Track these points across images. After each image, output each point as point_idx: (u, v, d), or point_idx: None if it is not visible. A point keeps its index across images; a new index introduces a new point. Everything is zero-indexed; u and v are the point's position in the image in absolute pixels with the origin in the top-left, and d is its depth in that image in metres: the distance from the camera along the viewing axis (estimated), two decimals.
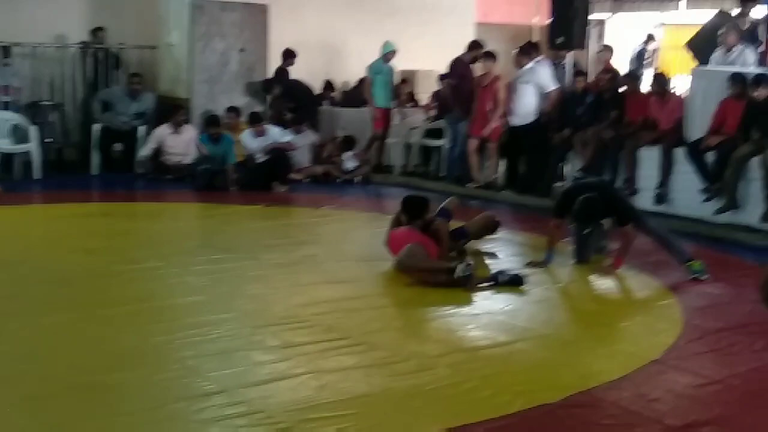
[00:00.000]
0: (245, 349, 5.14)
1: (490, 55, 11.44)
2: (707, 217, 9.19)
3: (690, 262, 7.03)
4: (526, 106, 11.05)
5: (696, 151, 9.36)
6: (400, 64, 13.51)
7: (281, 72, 12.92)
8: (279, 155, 11.41)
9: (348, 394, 4.48)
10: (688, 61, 15.40)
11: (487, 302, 6.29)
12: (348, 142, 12.42)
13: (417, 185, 11.54)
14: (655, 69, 15.43)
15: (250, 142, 11.44)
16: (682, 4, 17.12)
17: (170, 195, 10.84)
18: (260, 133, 11.44)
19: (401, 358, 5.03)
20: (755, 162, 8.83)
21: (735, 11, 11.65)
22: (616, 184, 9.51)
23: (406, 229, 7.15)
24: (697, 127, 9.62)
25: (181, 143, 11.80)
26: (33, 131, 11.48)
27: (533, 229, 8.02)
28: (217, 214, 9.88)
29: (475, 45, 11.97)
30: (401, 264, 6.76)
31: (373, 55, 12.67)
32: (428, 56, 13.86)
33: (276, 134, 11.59)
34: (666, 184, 9.68)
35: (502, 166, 11.57)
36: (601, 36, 17.75)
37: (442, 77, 12.98)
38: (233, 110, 12.10)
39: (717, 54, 10.60)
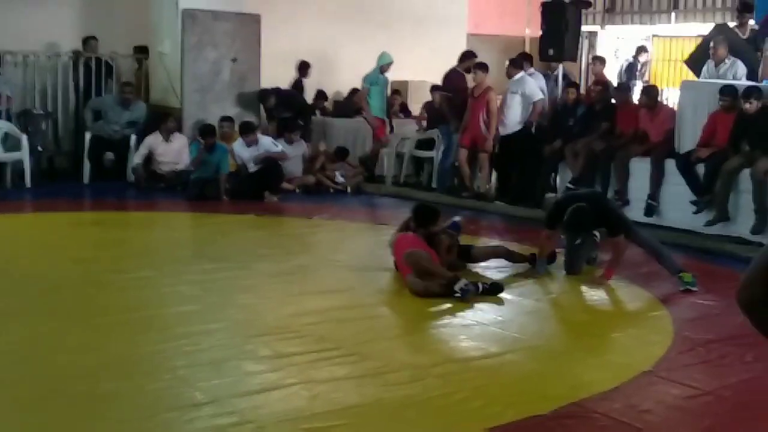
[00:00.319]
0: (236, 359, 5.13)
1: (482, 66, 11.48)
2: (698, 228, 9.22)
3: (681, 274, 7.05)
4: (513, 116, 11.11)
5: (686, 163, 9.40)
6: (391, 75, 13.54)
7: (297, 84, 12.99)
8: (271, 165, 11.40)
9: (340, 404, 4.48)
10: (679, 73, 15.49)
11: (479, 313, 6.29)
12: (340, 153, 12.42)
13: (408, 195, 11.55)
14: (646, 81, 15.49)
15: (242, 151, 11.44)
16: (673, 16, 17.19)
17: (162, 204, 10.84)
18: (252, 143, 11.44)
19: (393, 368, 5.02)
20: (745, 174, 8.86)
21: (732, 23, 11.72)
22: (607, 196, 9.53)
23: (413, 235, 7.15)
24: (688, 139, 9.66)
25: (171, 152, 11.80)
26: (24, 140, 11.46)
27: (524, 240, 8.03)
28: (209, 224, 9.87)
29: (467, 55, 12.01)
30: (412, 255, 6.74)
31: (366, 65, 12.70)
32: (420, 67, 13.89)
33: (268, 144, 11.59)
34: (656, 195, 9.71)
35: (495, 176, 11.60)
36: (592, 48, 17.81)
37: (434, 88, 13.02)
38: (228, 119, 12.11)
39: (708, 67, 10.67)
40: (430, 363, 5.18)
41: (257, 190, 11.14)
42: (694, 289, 6.97)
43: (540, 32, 11.98)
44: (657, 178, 9.70)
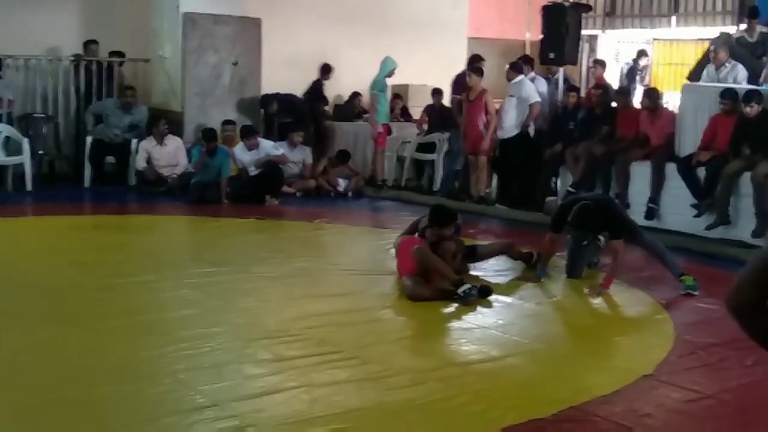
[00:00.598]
0: (237, 363, 5.13)
1: (476, 70, 11.48)
2: (699, 232, 9.21)
3: (682, 277, 7.05)
4: (510, 120, 11.11)
5: (687, 167, 9.40)
6: (392, 78, 13.54)
7: (317, 84, 12.97)
8: (271, 168, 11.40)
9: (340, 407, 4.48)
10: (680, 77, 15.49)
11: (480, 316, 6.30)
12: (342, 157, 12.41)
13: (409, 199, 11.55)
14: (646, 85, 15.50)
15: (242, 155, 11.45)
16: (674, 20, 17.20)
17: (163, 208, 10.83)
18: (253, 147, 11.44)
19: (394, 372, 5.03)
20: (746, 178, 8.86)
21: (733, 27, 11.73)
22: (614, 200, 9.46)
23: (418, 239, 7.16)
24: (689, 142, 9.67)
25: (166, 155, 11.78)
26: (26, 143, 11.46)
27: (525, 244, 8.02)
28: (210, 228, 9.87)
29: (476, 59, 12.03)
30: (422, 255, 6.74)
31: (366, 69, 12.69)
32: (420, 71, 13.89)
33: (268, 147, 11.59)
34: (657, 199, 9.71)
35: (495, 180, 11.61)
36: (593, 51, 17.82)
37: (435, 92, 13.04)
38: (231, 123, 12.11)
39: (708, 70, 10.68)
40: (431, 366, 5.18)
41: (258, 193, 11.14)
42: (695, 293, 6.97)
43: (540, 36, 11.99)
44: (657, 181, 9.70)
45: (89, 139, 11.98)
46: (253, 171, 11.39)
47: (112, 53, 12.70)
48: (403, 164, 12.94)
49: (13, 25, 12.10)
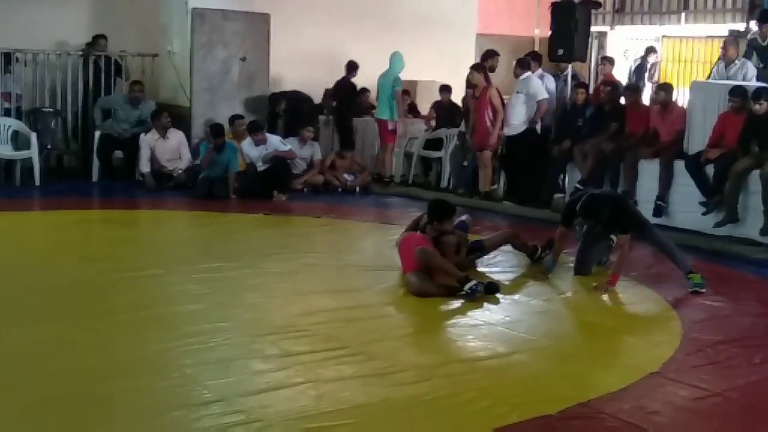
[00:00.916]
0: (244, 358, 5.13)
1: (478, 67, 11.46)
2: (707, 230, 9.19)
3: (690, 275, 7.03)
4: (518, 116, 11.09)
5: (696, 164, 9.37)
6: (401, 74, 13.53)
7: (344, 81, 13.00)
8: (279, 164, 11.41)
9: (346, 403, 4.48)
10: (689, 74, 15.45)
11: (487, 313, 6.29)
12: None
13: (417, 195, 11.55)
14: (655, 82, 15.46)
15: (250, 150, 11.45)
16: (683, 17, 17.15)
17: (170, 203, 10.84)
18: (260, 142, 11.44)
19: (400, 368, 5.03)
20: (755, 175, 8.83)
21: (743, 24, 11.68)
22: (626, 198, 9.35)
23: (421, 234, 7.15)
24: (697, 140, 9.64)
25: (169, 149, 11.77)
26: (34, 138, 11.48)
27: (532, 240, 8.01)
28: (217, 223, 9.87)
29: (490, 54, 12.00)
30: (425, 255, 6.73)
31: (374, 65, 12.69)
32: (429, 67, 13.88)
33: (276, 143, 11.59)
34: (665, 196, 9.69)
35: (502, 177, 11.59)
36: (602, 48, 17.78)
37: (443, 88, 13.03)
38: (240, 117, 12.11)
39: (718, 67, 10.64)
40: (437, 363, 5.18)
41: (266, 189, 11.14)
42: (703, 290, 6.96)
43: (549, 32, 11.96)
44: (666, 179, 9.67)
45: (97, 134, 12.00)
46: (260, 166, 11.39)
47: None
48: (410, 161, 12.93)
49: (21, 19, 12.13)
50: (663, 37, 17.56)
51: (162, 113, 11.86)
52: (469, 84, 11.64)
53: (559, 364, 5.38)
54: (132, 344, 5.33)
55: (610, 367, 5.39)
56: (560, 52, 11.51)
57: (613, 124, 10.41)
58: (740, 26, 15.33)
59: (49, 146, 11.98)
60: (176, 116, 12.03)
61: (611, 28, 18.22)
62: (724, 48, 10.73)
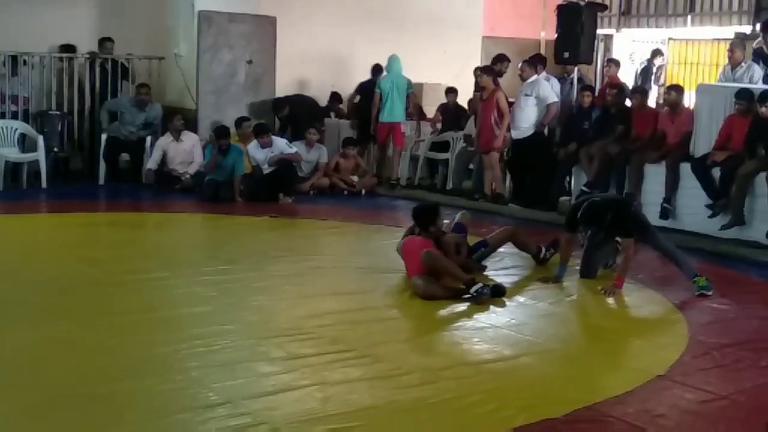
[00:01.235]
0: (250, 361, 5.14)
1: (487, 70, 11.47)
2: (713, 232, 9.17)
3: (695, 278, 7.02)
4: (527, 119, 11.09)
5: (702, 167, 9.36)
6: (407, 76, 13.52)
7: (369, 83, 13.04)
8: (285, 166, 11.42)
9: (353, 406, 4.48)
10: (695, 76, 15.43)
11: (493, 315, 6.29)
12: (348, 141, 12.37)
13: (423, 198, 11.54)
14: (661, 85, 15.45)
15: (256, 153, 11.46)
16: (689, 19, 17.14)
17: (176, 205, 10.86)
18: (266, 145, 11.45)
19: (406, 370, 5.03)
20: (761, 178, 8.82)
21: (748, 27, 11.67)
22: (631, 201, 9.27)
23: (421, 238, 7.16)
24: (703, 142, 9.63)
25: (182, 151, 11.81)
26: (41, 140, 11.51)
27: (541, 243, 7.99)
28: (223, 225, 9.89)
29: (500, 58, 12.03)
30: (431, 258, 6.72)
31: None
32: (435, 69, 13.89)
33: (282, 145, 11.60)
34: (672, 199, 9.68)
35: (509, 179, 11.59)
36: (608, 51, 17.78)
37: (449, 90, 13.04)
38: (247, 119, 12.13)
39: (724, 70, 10.64)
40: (444, 365, 5.18)
41: (271, 191, 11.15)
42: (709, 293, 6.94)
43: (555, 35, 11.97)
44: (672, 181, 9.66)
45: (104, 137, 12.03)
46: (266, 169, 11.41)
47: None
48: (416, 163, 12.94)
49: (28, 22, 12.16)
50: (669, 39, 17.55)
51: (175, 115, 11.91)
52: (478, 86, 11.63)
53: (565, 367, 5.38)
54: (138, 346, 5.34)
55: (616, 370, 5.39)
56: (566, 54, 11.52)
57: (619, 126, 10.40)
58: (746, 29, 15.32)
59: (55, 149, 12.01)
60: (182, 119, 12.05)
61: (617, 31, 18.22)
62: (731, 50, 10.73)
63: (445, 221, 7.62)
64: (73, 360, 5.07)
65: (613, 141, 10.30)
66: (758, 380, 5.14)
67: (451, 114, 12.91)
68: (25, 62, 12.07)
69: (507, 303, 6.59)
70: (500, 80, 11.67)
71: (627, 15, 18.09)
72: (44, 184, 11.48)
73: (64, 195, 11.17)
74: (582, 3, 11.52)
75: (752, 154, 9.03)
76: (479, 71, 11.65)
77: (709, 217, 9.23)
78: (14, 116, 11.87)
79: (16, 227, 9.31)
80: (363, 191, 12.10)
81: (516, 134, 11.16)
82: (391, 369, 5.05)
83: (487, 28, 16.30)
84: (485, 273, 7.45)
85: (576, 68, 11.91)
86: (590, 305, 6.98)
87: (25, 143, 11.70)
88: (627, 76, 15.16)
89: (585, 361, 5.55)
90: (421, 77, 14.09)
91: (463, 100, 13.18)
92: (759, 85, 9.90)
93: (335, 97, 13.97)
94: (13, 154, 11.55)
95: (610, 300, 6.89)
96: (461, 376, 5.02)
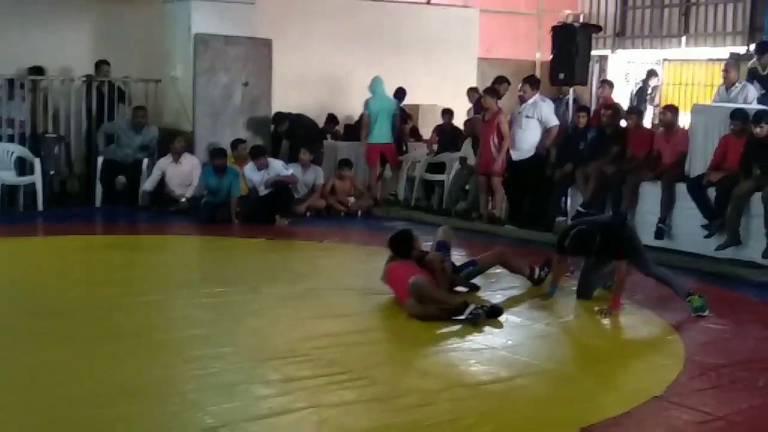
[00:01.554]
0: (246, 383, 5.13)
1: (490, 92, 11.51)
2: (709, 252, 9.18)
3: (690, 298, 6.99)
4: (530, 141, 11.11)
5: (697, 187, 9.38)
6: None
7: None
8: (281, 188, 11.43)
9: (349, 429, 4.48)
10: (689, 97, 15.48)
11: (489, 337, 6.28)
12: (344, 163, 12.40)
13: (419, 219, 11.55)
14: (656, 105, 15.51)
15: (252, 175, 11.48)
16: (684, 40, 17.23)
17: (173, 228, 10.87)
18: (263, 167, 11.47)
19: (402, 392, 5.02)
20: (757, 198, 8.84)
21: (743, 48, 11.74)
22: (624, 222, 8.92)
23: (404, 263, 7.15)
24: (699, 162, 9.66)
25: (181, 173, 11.84)
26: (37, 163, 11.52)
27: (535, 263, 8.00)
28: (220, 247, 9.89)
29: (500, 80, 12.11)
30: (417, 288, 6.68)
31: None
32: (431, 91, 13.94)
33: (278, 167, 11.62)
34: (667, 218, 9.69)
35: (505, 200, 11.60)
36: (603, 72, 17.86)
37: (445, 112, 13.09)
38: (242, 141, 12.16)
39: (718, 90, 10.68)
40: (440, 387, 5.17)
41: (268, 213, 11.16)
42: (704, 314, 6.91)
43: (550, 56, 12.02)
44: (668, 201, 9.68)
45: (100, 159, 12.04)
46: (263, 191, 11.42)
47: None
48: (413, 184, 12.96)
49: (25, 45, 12.19)
50: (664, 60, 17.63)
51: (176, 137, 11.95)
52: (481, 107, 11.66)
53: (561, 388, 5.37)
54: (134, 369, 5.32)
55: (612, 391, 5.38)
56: (561, 75, 11.57)
57: (614, 147, 10.44)
58: (741, 49, 15.41)
59: (52, 172, 12.02)
60: (183, 141, 12.08)
61: (612, 52, 18.32)
62: (726, 71, 10.78)
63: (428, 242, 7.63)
64: (70, 383, 5.06)
65: (609, 161, 10.33)
66: (755, 401, 5.14)
67: (448, 135, 12.94)
68: (22, 86, 12.09)
69: (503, 324, 6.58)
70: (500, 101, 11.70)
71: (621, 36, 18.20)
72: (41, 207, 11.47)
73: (60, 218, 11.17)
74: (577, 24, 11.61)
75: (747, 174, 9.05)
76: (483, 93, 11.69)
77: (705, 237, 9.25)
78: (11, 139, 11.88)
79: (12, 250, 9.30)
80: (359, 212, 12.11)
81: (516, 155, 11.17)
82: (387, 391, 5.05)
83: (483, 49, 16.38)
84: (479, 293, 7.45)
85: (571, 89, 11.96)
86: (587, 326, 6.98)
87: (21, 166, 11.70)
88: (622, 97, 15.22)
89: (582, 382, 5.54)
90: (417, 99, 14.16)
91: (459, 121, 13.22)
92: (753, 106, 9.94)
93: (332, 119, 14.02)
94: (10, 177, 11.55)
95: (606, 321, 6.89)
96: (457, 398, 5.01)
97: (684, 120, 11.15)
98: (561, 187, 10.90)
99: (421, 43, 14.95)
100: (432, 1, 15.98)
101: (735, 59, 12.34)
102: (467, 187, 12.07)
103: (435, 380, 5.37)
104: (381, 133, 12.63)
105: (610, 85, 12.85)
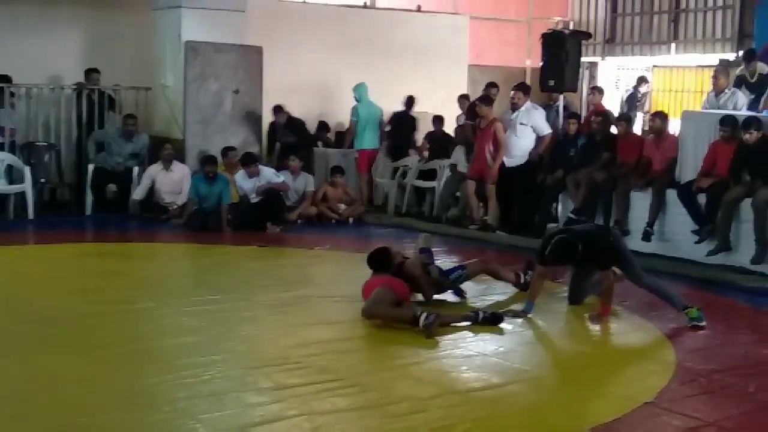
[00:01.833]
0: (238, 391, 5.12)
1: (485, 99, 11.54)
2: (699, 258, 9.21)
3: (687, 310, 6.96)
4: (523, 148, 11.14)
5: (688, 193, 9.41)
6: (393, 105, 13.61)
7: (404, 116, 13.54)
8: (272, 196, 11.42)
9: None
10: (679, 103, 15.53)
11: (481, 343, 6.29)
12: (336, 170, 12.41)
13: (411, 226, 11.56)
14: (646, 112, 15.56)
15: (243, 182, 11.47)
16: (673, 47, 17.29)
17: (164, 235, 10.84)
18: (254, 174, 11.46)
19: (394, 399, 5.02)
20: (747, 204, 8.87)
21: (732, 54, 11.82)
22: (609, 230, 8.41)
23: (378, 277, 7.10)
24: (689, 168, 9.69)
25: (171, 182, 11.82)
26: (27, 172, 11.50)
27: (521, 270, 8.00)
28: (211, 255, 9.87)
29: (491, 86, 12.15)
30: (367, 311, 6.70)
31: (368, 96, 12.80)
32: (422, 98, 13.95)
33: (269, 175, 11.61)
34: (654, 223, 9.71)
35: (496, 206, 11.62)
36: (593, 78, 17.92)
37: (436, 119, 13.11)
38: (233, 149, 12.15)
39: (708, 97, 10.73)
40: (432, 394, 5.16)
41: (259, 220, 11.15)
42: (702, 324, 6.88)
43: (540, 63, 12.06)
44: (657, 206, 9.70)
45: (91, 167, 12.02)
46: (254, 198, 11.41)
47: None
48: (404, 191, 12.97)
49: (15, 54, 12.18)
50: (653, 66, 17.70)
51: (164, 145, 11.93)
52: (475, 114, 11.69)
53: (553, 395, 5.38)
54: (124, 377, 5.31)
55: (604, 397, 5.39)
56: (551, 82, 11.61)
57: (604, 153, 10.46)
58: (730, 56, 15.49)
59: (42, 180, 12.00)
60: (171, 149, 12.05)
61: (602, 59, 18.38)
62: (715, 77, 10.83)
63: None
64: (60, 391, 5.04)
65: (599, 168, 10.36)
66: (745, 407, 5.15)
67: (438, 142, 12.96)
68: (12, 94, 12.07)
69: (495, 331, 6.58)
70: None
71: (611, 43, 18.26)
72: (31, 215, 11.45)
73: (51, 226, 11.14)
74: (566, 31, 11.65)
75: (737, 180, 9.09)
76: (478, 101, 11.72)
77: (696, 243, 9.28)
78: (1, 147, 11.85)
79: (2, 258, 9.27)
80: (351, 220, 12.12)
81: (509, 162, 11.18)
82: (379, 398, 5.05)
83: (473, 56, 16.42)
84: (468, 299, 7.45)
85: (561, 96, 11.99)
86: (578, 332, 6.99)
87: (11, 174, 11.67)
88: (612, 104, 15.27)
89: (573, 388, 5.54)
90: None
91: (449, 128, 13.24)
92: (743, 112, 9.99)
93: (323, 126, 14.03)
94: (0, 185, 11.53)
95: (598, 327, 6.90)
96: (450, 404, 5.01)
97: (674, 126, 11.20)
98: (552, 193, 10.93)
99: (411, 50, 14.98)
100: (422, 8, 16.00)
101: (724, 66, 12.40)
102: (458, 194, 12.09)
103: (427, 387, 5.37)
104: (371, 140, 12.66)
105: (600, 91, 12.89)
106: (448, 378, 5.65)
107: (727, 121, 9.25)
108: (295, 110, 13.33)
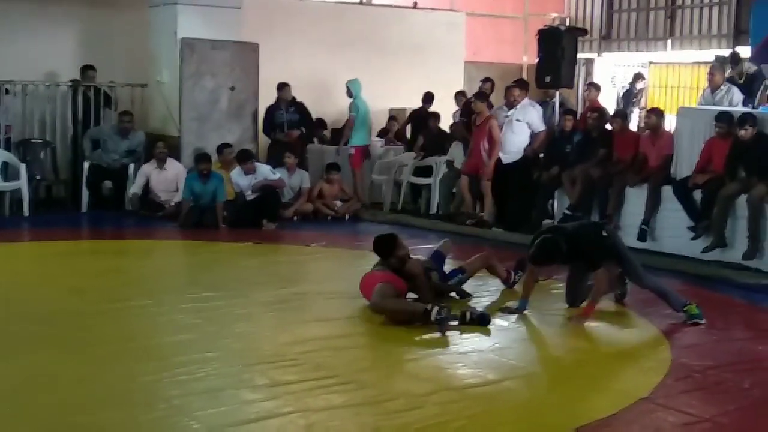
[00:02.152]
0: (233, 388, 5.12)
1: (480, 96, 11.54)
2: (695, 254, 9.22)
3: (686, 307, 6.93)
4: (518, 144, 11.15)
5: (683, 189, 9.42)
6: (390, 101, 13.61)
7: (422, 112, 13.52)
8: (268, 193, 11.41)
9: None
10: (675, 100, 15.55)
11: (477, 340, 6.28)
12: (331, 167, 12.39)
13: (407, 222, 11.56)
14: (642, 108, 15.58)
15: (239, 179, 11.45)
16: (669, 43, 17.31)
17: (159, 233, 10.83)
18: (250, 171, 11.45)
19: (390, 396, 5.02)
20: (742, 200, 8.88)
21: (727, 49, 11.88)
22: (601, 228, 8.03)
23: (380, 273, 7.10)
24: (685, 165, 9.69)
25: (165, 180, 11.81)
26: (23, 169, 11.49)
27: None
28: (206, 252, 9.86)
29: (485, 80, 12.18)
30: (375, 305, 6.72)
31: (364, 93, 12.79)
32: (417, 94, 13.94)
33: (265, 171, 11.60)
34: (650, 220, 9.71)
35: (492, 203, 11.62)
36: (589, 75, 17.93)
37: (432, 116, 13.11)
38: (229, 146, 12.13)
39: (704, 93, 10.74)
40: (428, 391, 5.16)
41: (255, 217, 11.14)
42: (702, 321, 6.84)
43: (537, 60, 12.06)
44: (653, 203, 9.71)
45: (86, 164, 12.00)
46: (250, 195, 11.40)
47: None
48: (400, 188, 12.96)
49: (11, 51, 12.15)
50: (650, 63, 17.71)
51: (156, 144, 11.91)
52: (471, 111, 11.69)
53: (549, 391, 5.39)
54: (119, 375, 5.31)
55: (599, 393, 5.39)
56: (547, 79, 11.61)
57: (600, 150, 10.47)
58: (726, 52, 15.47)
59: (38, 177, 11.99)
60: (166, 146, 12.04)
61: (598, 55, 18.40)
62: (711, 74, 10.84)
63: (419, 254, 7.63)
64: (55, 390, 5.04)
65: (595, 164, 10.37)
66: (741, 402, 5.16)
67: (434, 138, 12.95)
68: (7, 91, 12.05)
69: (490, 327, 6.57)
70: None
71: (607, 39, 18.28)
72: (27, 213, 11.44)
73: (46, 223, 11.13)
74: (563, 28, 11.64)
75: (733, 176, 9.09)
76: (473, 97, 11.72)
77: (692, 239, 9.28)
78: None
79: None
80: (347, 216, 12.11)
81: (505, 158, 11.19)
82: (375, 395, 5.05)
83: (469, 52, 16.42)
84: (471, 302, 7.43)
85: (557, 92, 11.99)
86: (573, 328, 6.95)
87: (7, 172, 11.66)
88: (608, 100, 15.28)
89: (569, 384, 5.55)
90: (404, 103, 14.17)
91: (445, 124, 13.24)
92: (738, 108, 10.00)
93: (320, 123, 14.01)
94: None
95: (593, 324, 6.88)
96: (446, 401, 5.01)
97: (670, 123, 11.21)
98: (548, 189, 10.93)
99: (407, 46, 14.97)
100: (418, 5, 16.00)
101: (720, 62, 12.39)
102: (454, 190, 12.09)
103: (423, 384, 5.37)
104: (366, 136, 12.67)
105: (597, 88, 12.91)
106: (444, 374, 5.65)
107: (723, 118, 9.25)
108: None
